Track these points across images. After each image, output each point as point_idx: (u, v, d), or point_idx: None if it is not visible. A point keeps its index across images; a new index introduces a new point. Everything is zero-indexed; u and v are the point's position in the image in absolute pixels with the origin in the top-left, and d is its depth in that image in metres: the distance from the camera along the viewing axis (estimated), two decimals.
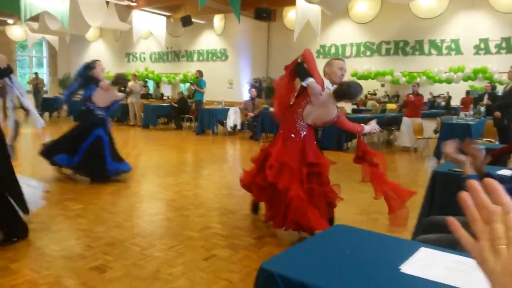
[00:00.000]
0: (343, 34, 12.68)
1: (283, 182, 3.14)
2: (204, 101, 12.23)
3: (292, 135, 3.31)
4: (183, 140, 9.67)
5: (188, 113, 12.17)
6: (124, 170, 5.23)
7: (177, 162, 6.80)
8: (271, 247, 3.16)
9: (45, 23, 13.37)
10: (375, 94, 13.29)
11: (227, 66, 15.10)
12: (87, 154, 4.92)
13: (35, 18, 12.95)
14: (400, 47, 12.03)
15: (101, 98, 5.13)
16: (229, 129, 10.82)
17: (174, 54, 16.65)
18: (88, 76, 5.07)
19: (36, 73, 16.22)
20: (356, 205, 4.44)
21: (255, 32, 14.37)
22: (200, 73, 12.02)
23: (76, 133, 5.13)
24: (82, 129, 5.10)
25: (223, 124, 11.18)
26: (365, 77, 12.21)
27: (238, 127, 11.01)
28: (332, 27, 12.82)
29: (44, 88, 16.90)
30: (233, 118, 10.75)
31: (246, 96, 13.44)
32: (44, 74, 19.17)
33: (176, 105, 12.21)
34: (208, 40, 15.68)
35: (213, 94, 14.09)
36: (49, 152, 5.14)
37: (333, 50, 12.87)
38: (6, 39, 17.80)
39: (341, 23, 12.69)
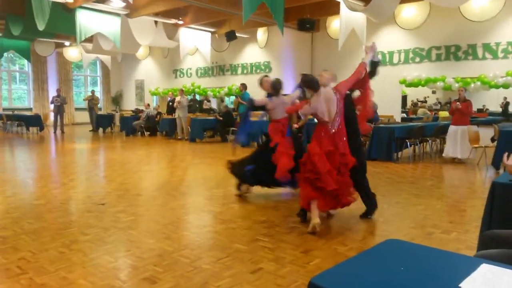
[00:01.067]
0: (390, 41, 12.36)
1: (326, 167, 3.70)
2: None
3: (322, 134, 3.85)
4: (229, 153, 9.76)
5: (233, 126, 12.32)
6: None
7: (223, 175, 6.85)
8: (319, 261, 3.08)
9: (98, 44, 14.16)
10: (425, 102, 12.79)
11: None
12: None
13: (89, 39, 13.76)
14: (452, 52, 11.51)
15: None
16: None
17: (219, 69, 17.00)
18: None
19: (92, 91, 17.08)
20: (409, 219, 4.24)
21: (299, 43, 14.36)
22: (244, 86, 12.16)
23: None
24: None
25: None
26: (415, 84, 11.79)
27: None
28: (378, 34, 12.54)
29: (98, 105, 17.80)
30: None
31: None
32: (98, 92, 20.23)
33: (221, 118, 12.41)
34: (252, 53, 15.88)
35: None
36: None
37: (379, 57, 12.58)
38: (63, 60, 19.05)
39: (388, 30, 12.39)
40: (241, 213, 4.41)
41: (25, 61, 18.06)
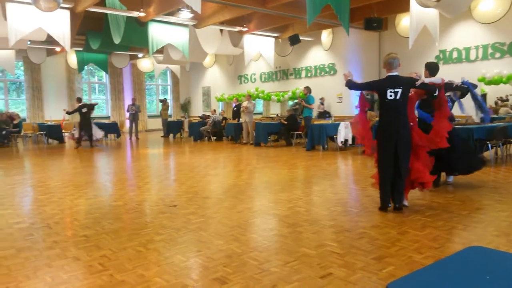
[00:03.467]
0: (466, 36, 11.55)
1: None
2: (313, 117, 12.21)
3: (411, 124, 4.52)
4: (293, 157, 9.74)
5: (297, 130, 12.27)
6: None
7: (289, 178, 6.85)
8: (392, 269, 2.94)
9: (168, 54, 14.93)
10: (507, 100, 11.76)
11: (336, 81, 14.91)
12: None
13: (160, 51, 14.55)
14: None
15: None
16: (340, 144, 10.59)
17: (282, 73, 17.06)
18: None
19: (164, 99, 17.87)
20: (492, 226, 3.91)
21: (365, 43, 13.97)
22: (308, 89, 12.07)
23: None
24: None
25: (333, 139, 11.00)
26: (496, 81, 10.88)
27: (349, 142, 10.71)
28: (452, 30, 11.80)
29: (169, 112, 18.68)
30: (344, 133, 10.50)
31: (357, 109, 13.04)
32: (169, 100, 21.26)
33: (285, 122, 12.42)
34: (316, 56, 15.73)
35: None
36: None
37: (455, 54, 11.80)
38: (137, 71, 20.33)
39: (463, 25, 11.60)
40: (308, 217, 4.36)
41: (103, 73, 19.51)
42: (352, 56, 14.50)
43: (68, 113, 13.40)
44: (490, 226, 3.90)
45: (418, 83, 4.39)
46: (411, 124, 4.53)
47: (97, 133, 13.37)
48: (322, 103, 14.18)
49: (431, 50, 12.11)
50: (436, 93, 4.58)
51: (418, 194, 5.13)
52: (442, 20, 10.69)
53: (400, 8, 11.25)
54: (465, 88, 5.63)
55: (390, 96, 4.38)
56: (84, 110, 12.78)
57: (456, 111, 5.88)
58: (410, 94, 4.55)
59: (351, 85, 4.69)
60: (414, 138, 4.50)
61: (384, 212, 4.46)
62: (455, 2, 8.48)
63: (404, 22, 12.49)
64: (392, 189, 4.48)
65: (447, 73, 11.65)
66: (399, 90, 4.36)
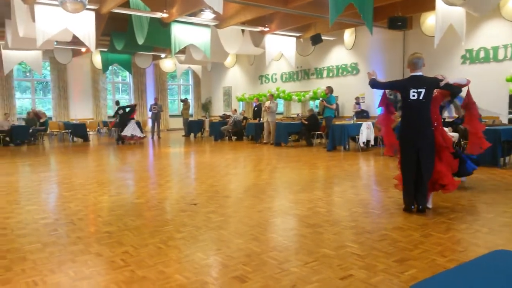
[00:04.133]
0: (494, 35, 11.20)
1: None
2: (334, 117, 12.10)
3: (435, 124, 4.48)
4: (314, 157, 9.68)
5: (318, 130, 12.18)
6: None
7: (309, 179, 6.81)
8: (415, 272, 2.88)
9: (190, 55, 15.06)
10: None
11: (358, 80, 14.73)
12: None
13: (182, 51, 14.69)
14: None
15: None
16: (361, 145, 10.46)
17: (303, 73, 16.96)
18: None
19: (185, 99, 18.01)
20: None
21: (389, 42, 13.74)
22: (329, 89, 11.96)
23: None
24: None
25: (355, 140, 10.87)
26: None
27: (372, 142, 10.56)
28: (479, 28, 11.48)
29: (190, 112, 18.85)
30: (366, 134, 10.37)
31: (379, 110, 12.83)
32: (190, 100, 21.47)
33: (306, 122, 12.35)
34: (338, 55, 15.58)
35: (345, 110, 13.86)
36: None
37: (482, 54, 11.47)
38: (159, 71, 20.61)
39: (491, 23, 11.26)
40: (328, 218, 4.32)
41: (127, 73, 19.87)
42: (376, 55, 14.29)
43: (112, 116, 15.02)
44: None
45: (442, 83, 4.31)
46: (435, 124, 4.45)
47: (137, 132, 13.86)
48: (357, 103, 14.01)
49: (457, 49, 11.81)
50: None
51: (443, 197, 5.01)
52: (469, 19, 10.40)
53: (426, 6, 11.01)
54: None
55: (413, 96, 4.32)
56: (121, 112, 13.89)
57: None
58: (434, 94, 4.46)
59: (374, 83, 4.65)
60: (438, 139, 4.41)
61: (408, 213, 4.38)
62: (483, 0, 8.24)
63: (429, 21, 12.22)
64: (415, 190, 4.40)
65: (474, 73, 11.35)
66: (423, 91, 4.29)
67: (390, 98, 11.65)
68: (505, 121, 10.45)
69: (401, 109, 4.63)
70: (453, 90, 4.42)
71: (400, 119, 4.74)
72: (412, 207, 4.44)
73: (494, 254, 1.64)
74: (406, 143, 4.43)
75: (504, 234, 3.71)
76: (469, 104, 4.61)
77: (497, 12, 10.89)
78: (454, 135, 6.14)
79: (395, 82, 4.76)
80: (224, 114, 17.61)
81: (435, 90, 4.46)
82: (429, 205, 4.53)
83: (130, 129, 13.65)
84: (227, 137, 15.08)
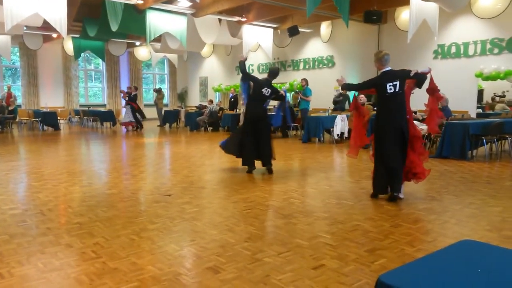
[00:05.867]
0: (464, 31, 11.52)
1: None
2: (310, 109, 12.18)
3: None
4: (289, 149, 9.74)
5: (294, 122, 12.24)
6: None
7: (284, 170, 6.86)
8: (385, 261, 2.96)
9: (166, 43, 14.79)
10: (504, 96, 11.81)
11: (334, 73, 14.87)
12: None
13: (157, 39, 14.40)
14: None
15: None
16: (336, 137, 10.59)
17: (280, 64, 16.97)
18: None
19: (159, 88, 17.66)
20: (485, 221, 3.94)
21: (364, 36, 13.91)
22: (305, 81, 12.02)
23: None
24: None
25: (330, 132, 11.00)
26: (493, 77, 10.89)
27: (346, 135, 10.71)
28: (451, 24, 11.76)
29: (164, 102, 18.57)
30: (340, 126, 10.51)
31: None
32: (165, 90, 21.15)
33: (282, 114, 12.37)
34: (314, 48, 15.66)
35: (320, 102, 13.96)
36: None
37: (453, 49, 11.76)
38: (134, 59, 20.19)
39: (462, 20, 11.56)
40: (302, 209, 4.37)
41: (100, 61, 19.35)
42: (351, 48, 14.45)
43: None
44: (482, 221, 3.93)
45: (412, 73, 4.56)
46: (407, 116, 4.61)
47: (131, 118, 14.59)
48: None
49: (430, 44, 12.09)
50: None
51: (414, 187, 5.16)
52: (442, 14, 10.65)
53: (400, 1, 11.19)
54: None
55: (390, 89, 4.52)
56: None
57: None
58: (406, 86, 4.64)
59: (348, 87, 4.94)
60: (410, 129, 4.61)
61: (379, 204, 4.49)
62: None
63: (403, 16, 12.43)
64: (390, 178, 4.60)
65: (445, 68, 11.66)
66: (397, 83, 4.52)
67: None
68: (473, 115, 10.81)
69: (377, 105, 4.83)
70: (420, 78, 4.64)
71: (374, 112, 4.87)
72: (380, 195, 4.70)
73: (461, 244, 1.70)
74: (386, 134, 4.60)
75: (469, 225, 3.85)
76: (434, 88, 4.85)
77: (468, 9, 11.19)
78: (424, 128, 6.31)
79: (368, 81, 4.91)
80: (200, 104, 17.44)
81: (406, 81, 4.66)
82: (401, 195, 4.66)
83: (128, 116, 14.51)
84: (203, 128, 14.98)
